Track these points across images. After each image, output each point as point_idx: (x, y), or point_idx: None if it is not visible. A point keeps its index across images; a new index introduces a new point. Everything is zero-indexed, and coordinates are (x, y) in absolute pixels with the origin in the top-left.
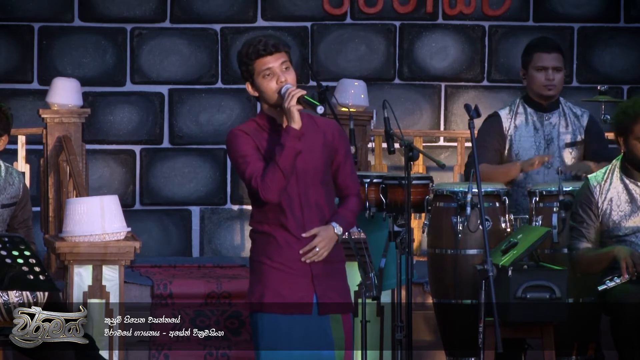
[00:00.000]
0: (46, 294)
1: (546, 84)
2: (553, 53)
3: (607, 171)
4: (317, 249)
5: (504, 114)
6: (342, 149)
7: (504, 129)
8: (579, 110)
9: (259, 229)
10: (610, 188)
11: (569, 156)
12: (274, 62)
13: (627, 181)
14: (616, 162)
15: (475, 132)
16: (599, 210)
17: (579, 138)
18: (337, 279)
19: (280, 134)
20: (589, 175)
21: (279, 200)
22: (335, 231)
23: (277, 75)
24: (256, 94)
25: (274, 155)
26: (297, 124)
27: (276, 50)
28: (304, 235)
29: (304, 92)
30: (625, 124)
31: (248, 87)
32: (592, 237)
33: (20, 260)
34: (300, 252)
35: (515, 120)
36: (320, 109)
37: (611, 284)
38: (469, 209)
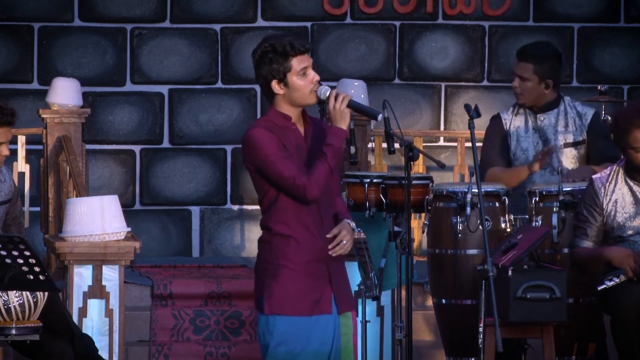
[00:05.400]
0: (46, 294)
1: (514, 90)
2: (521, 62)
3: (612, 173)
4: (344, 242)
5: (504, 115)
6: None
7: (505, 129)
8: (583, 108)
9: (278, 231)
10: (615, 190)
11: (568, 156)
12: (309, 61)
13: (631, 183)
14: (620, 164)
15: (476, 132)
16: (604, 212)
17: (580, 138)
18: (345, 276)
19: (294, 132)
20: (593, 177)
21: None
22: (352, 226)
23: (312, 74)
24: (282, 92)
25: (322, 153)
26: (346, 125)
27: (308, 49)
28: (328, 236)
29: (350, 96)
30: (619, 135)
31: (274, 85)
32: (595, 236)
33: (20, 260)
34: (329, 246)
35: (515, 122)
36: (380, 116)
37: (611, 284)
38: (469, 209)
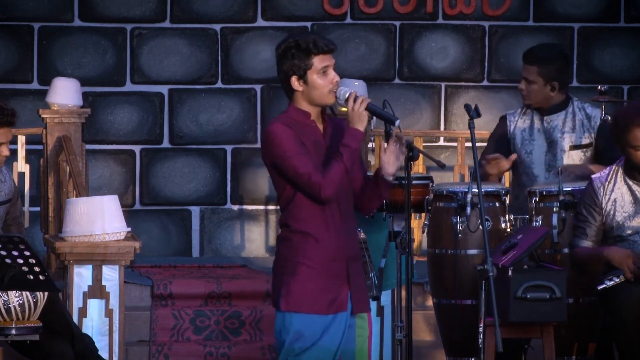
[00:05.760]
0: (46, 294)
1: (520, 92)
2: (527, 65)
3: (611, 172)
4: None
5: (510, 116)
6: None
7: (509, 132)
8: (593, 110)
9: (297, 228)
10: (615, 189)
11: (575, 158)
12: (331, 61)
13: (631, 182)
14: (619, 164)
15: (476, 132)
16: (603, 211)
17: (587, 140)
18: (362, 276)
19: (313, 129)
20: (592, 176)
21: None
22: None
23: (332, 75)
24: (301, 89)
25: (338, 153)
26: (363, 127)
27: (332, 50)
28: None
29: (369, 99)
30: (619, 134)
31: (294, 81)
32: (594, 236)
33: (20, 260)
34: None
35: (520, 123)
36: (398, 122)
37: (610, 283)
38: (469, 209)
